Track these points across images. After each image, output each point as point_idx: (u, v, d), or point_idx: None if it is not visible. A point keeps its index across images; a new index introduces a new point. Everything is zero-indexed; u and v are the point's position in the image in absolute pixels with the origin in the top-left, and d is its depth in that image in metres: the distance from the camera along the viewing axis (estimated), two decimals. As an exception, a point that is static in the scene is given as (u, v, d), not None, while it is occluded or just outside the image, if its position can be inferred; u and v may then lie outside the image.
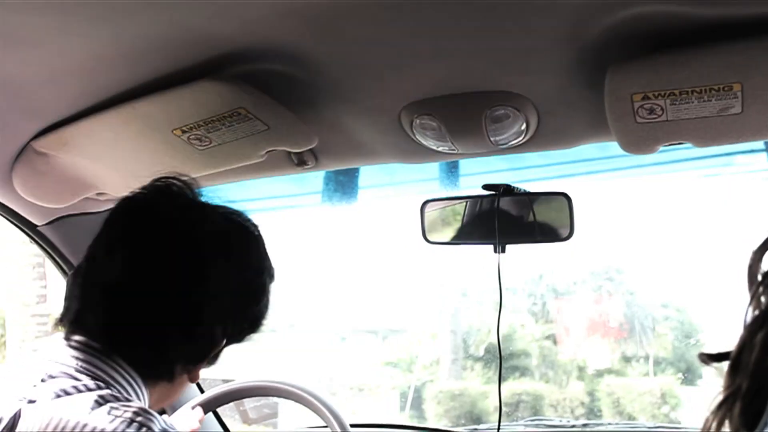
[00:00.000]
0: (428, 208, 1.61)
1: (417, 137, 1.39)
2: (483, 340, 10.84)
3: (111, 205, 1.79)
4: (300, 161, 1.51)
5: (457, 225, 1.62)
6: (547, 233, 1.56)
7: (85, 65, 1.21)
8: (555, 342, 11.20)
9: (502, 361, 1.65)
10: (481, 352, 10.74)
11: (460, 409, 9.85)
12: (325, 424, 1.61)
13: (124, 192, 1.62)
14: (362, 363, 10.99)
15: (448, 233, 1.62)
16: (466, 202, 1.61)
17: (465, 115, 1.32)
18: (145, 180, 1.56)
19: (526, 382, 10.44)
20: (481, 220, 1.58)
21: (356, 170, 2.08)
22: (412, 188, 2.13)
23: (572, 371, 10.98)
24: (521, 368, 10.67)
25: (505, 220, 1.54)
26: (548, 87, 1.27)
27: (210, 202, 1.17)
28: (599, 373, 10.78)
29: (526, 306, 11.16)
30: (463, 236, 1.61)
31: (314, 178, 2.13)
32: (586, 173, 2.06)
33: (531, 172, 1.84)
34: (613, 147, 1.45)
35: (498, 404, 1.72)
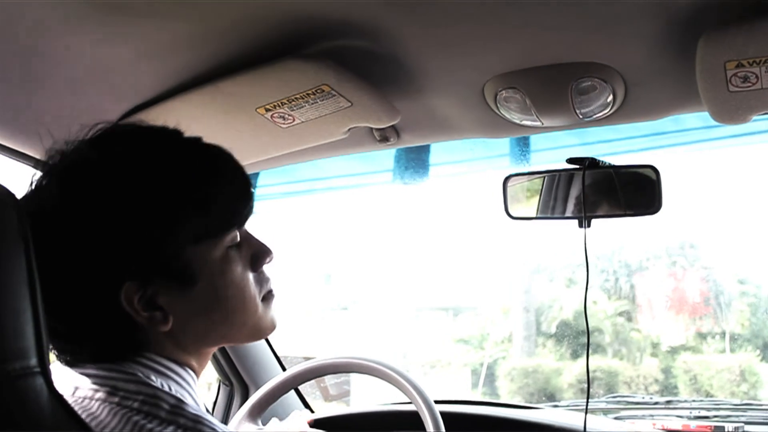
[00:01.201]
0: (511, 183, 1.59)
1: (501, 111, 1.38)
2: (555, 317, 10.77)
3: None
4: (382, 137, 1.51)
5: (541, 200, 1.59)
6: (634, 206, 1.53)
7: (172, 45, 1.22)
8: (628, 319, 11.07)
9: (589, 336, 1.63)
10: (553, 329, 10.68)
11: (534, 386, 9.80)
12: (409, 401, 1.61)
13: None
14: (434, 340, 11.02)
15: (531, 208, 1.60)
16: (550, 177, 1.59)
17: (551, 88, 1.30)
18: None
19: (599, 360, 10.35)
20: (565, 194, 1.56)
21: (427, 147, 2.08)
22: (482, 165, 2.12)
23: (646, 348, 10.85)
24: (594, 345, 10.58)
25: (590, 194, 1.51)
26: (636, 57, 1.24)
27: None
28: (674, 350, 10.63)
29: (599, 282, 11.05)
30: (547, 211, 1.59)
31: (385, 156, 2.13)
32: (656, 147, 2.02)
33: (602, 146, 1.81)
34: (686, 118, 1.43)
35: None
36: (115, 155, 0.98)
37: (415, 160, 2.13)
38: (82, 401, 0.92)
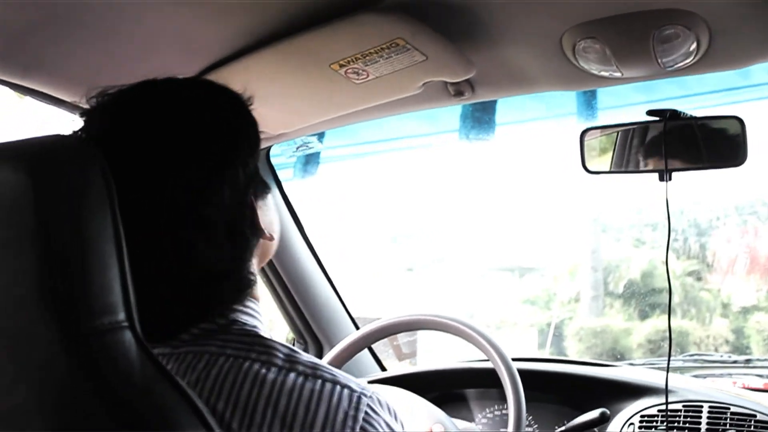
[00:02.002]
0: (588, 137, 1.55)
1: (579, 62, 1.34)
2: (622, 277, 10.64)
3: (267, 144, 1.84)
4: (457, 92, 1.49)
5: (619, 153, 1.56)
6: (717, 159, 1.49)
7: (245, 3, 1.22)
8: (698, 278, 10.88)
9: (671, 294, 1.61)
10: (621, 289, 10.56)
11: (602, 346, 9.72)
12: (485, 358, 1.60)
13: (282, 129, 1.66)
14: (500, 301, 10.99)
15: (609, 162, 1.57)
16: (628, 130, 1.55)
17: (632, 37, 1.26)
18: (303, 116, 1.58)
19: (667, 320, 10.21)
20: (644, 147, 1.52)
21: (493, 105, 2.05)
22: (548, 122, 2.09)
23: (716, 308, 10.66)
24: (662, 305, 10.43)
25: (671, 146, 1.47)
26: (721, 2, 1.20)
27: None
28: (745, 311, 10.43)
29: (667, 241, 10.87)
30: (626, 165, 1.55)
31: (450, 116, 2.11)
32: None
33: (671, 103, 1.77)
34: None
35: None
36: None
37: (481, 118, 2.11)
38: (185, 356, 0.91)
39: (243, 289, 0.98)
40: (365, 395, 0.91)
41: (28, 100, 1.48)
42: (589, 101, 2.00)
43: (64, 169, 0.79)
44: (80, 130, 0.95)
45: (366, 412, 0.89)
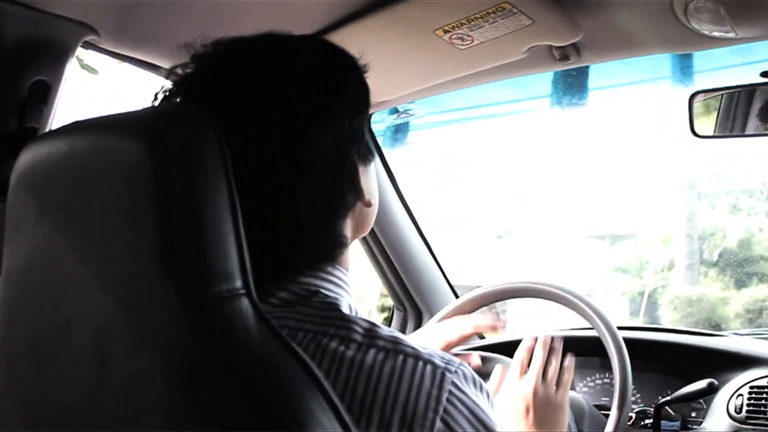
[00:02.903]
0: (697, 100, 1.51)
1: (691, 23, 1.30)
2: (717, 245, 10.38)
3: (369, 111, 1.83)
4: (562, 56, 1.46)
5: (729, 117, 1.51)
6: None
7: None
8: (799, 247, 10.56)
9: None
10: (716, 258, 10.31)
11: (698, 315, 9.52)
12: (584, 326, 1.58)
13: (384, 97, 1.65)
14: (591, 268, 10.84)
15: (720, 126, 1.52)
16: (738, 93, 1.50)
17: (748, -5, 1.22)
18: (405, 83, 1.57)
19: (766, 289, 9.93)
20: (757, 110, 1.47)
21: (586, 71, 2.01)
22: (642, 87, 2.04)
23: (819, 277, 10.34)
24: (760, 274, 10.16)
25: (786, 108, 1.42)
26: None
27: None
28: None
29: (765, 208, 10.56)
30: (737, 128, 1.50)
31: (541, 82, 2.07)
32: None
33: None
34: None
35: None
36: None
37: (573, 84, 2.07)
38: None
39: (332, 248, 0.99)
40: (449, 370, 0.88)
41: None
42: (684, 64, 1.94)
43: (180, 137, 0.80)
44: (179, 79, 0.98)
45: (450, 391, 0.86)
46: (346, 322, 0.91)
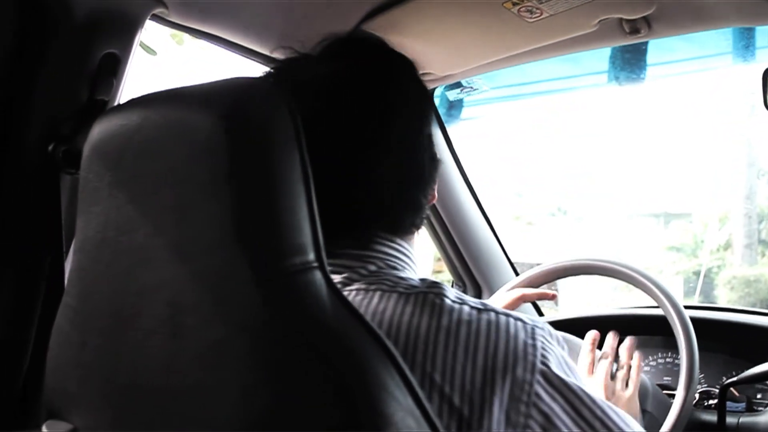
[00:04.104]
0: (771, 75, 1.46)
1: (770, -6, 1.27)
2: (776, 224, 10.20)
3: (433, 86, 1.82)
4: (632, 29, 1.42)
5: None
6: None
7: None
8: None
9: None
10: (774, 237, 10.12)
11: (756, 295, 9.36)
12: (655, 305, 1.56)
13: (449, 71, 1.64)
14: (645, 247, 10.72)
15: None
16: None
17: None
18: (472, 57, 1.56)
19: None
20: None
21: (644, 46, 1.97)
22: (701, 63, 2.00)
23: None
24: (825, 256, 9.96)
25: None
26: None
27: None
28: None
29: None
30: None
31: (599, 58, 2.04)
32: None
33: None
34: None
35: None
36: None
37: (631, 60, 2.03)
38: (356, 294, 0.95)
39: (411, 223, 1.05)
40: (538, 326, 0.93)
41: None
42: (745, 40, 1.89)
43: (254, 110, 0.80)
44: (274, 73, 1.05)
45: (542, 341, 0.91)
46: (436, 284, 0.95)
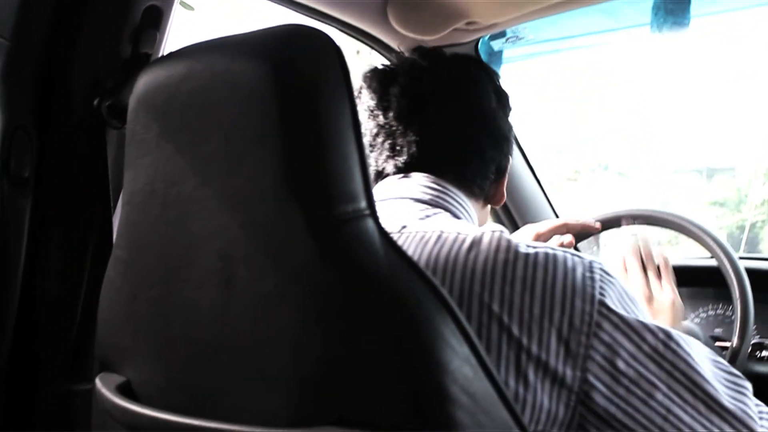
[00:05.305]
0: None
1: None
2: (821, 177, 10.03)
3: (478, 35, 1.79)
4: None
5: None
6: None
7: None
8: None
9: None
10: (818, 191, 9.96)
11: (802, 250, 9.27)
12: (705, 256, 1.53)
13: (494, 20, 1.61)
14: (687, 202, 10.61)
15: None
16: None
17: None
18: (518, 4, 1.52)
19: None
20: None
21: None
22: (744, 15, 1.95)
23: None
24: None
25: None
26: None
27: None
28: None
29: None
30: None
31: (641, 11, 1.99)
32: None
33: None
34: None
35: None
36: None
37: (675, 10, 1.99)
38: (410, 236, 0.97)
39: (473, 180, 1.15)
40: (596, 262, 0.94)
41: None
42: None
43: (302, 58, 0.78)
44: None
45: (600, 275, 0.92)
46: (491, 227, 0.97)
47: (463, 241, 0.94)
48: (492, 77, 1.20)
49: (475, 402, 0.73)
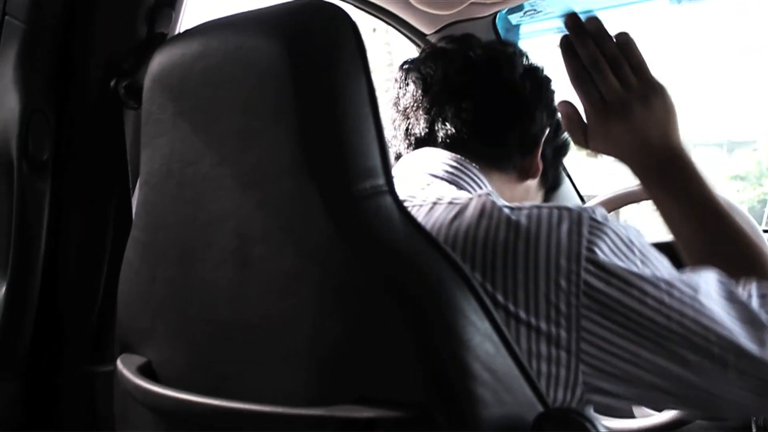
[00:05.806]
0: None
1: None
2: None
3: (496, 9, 1.77)
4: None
5: None
6: None
7: None
8: None
9: None
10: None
11: (824, 224, 9.21)
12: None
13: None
14: (707, 176, 10.54)
15: None
16: None
17: None
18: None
19: None
20: None
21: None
22: None
23: None
24: None
25: None
26: None
27: None
28: None
29: None
30: None
31: None
32: None
33: None
34: None
35: None
36: None
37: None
38: (433, 206, 0.95)
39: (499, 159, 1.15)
40: (585, 211, 0.89)
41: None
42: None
43: (317, 33, 0.77)
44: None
45: (589, 225, 0.87)
46: (486, 194, 0.95)
47: (452, 209, 0.92)
48: (520, 52, 1.18)
49: (497, 379, 0.72)
